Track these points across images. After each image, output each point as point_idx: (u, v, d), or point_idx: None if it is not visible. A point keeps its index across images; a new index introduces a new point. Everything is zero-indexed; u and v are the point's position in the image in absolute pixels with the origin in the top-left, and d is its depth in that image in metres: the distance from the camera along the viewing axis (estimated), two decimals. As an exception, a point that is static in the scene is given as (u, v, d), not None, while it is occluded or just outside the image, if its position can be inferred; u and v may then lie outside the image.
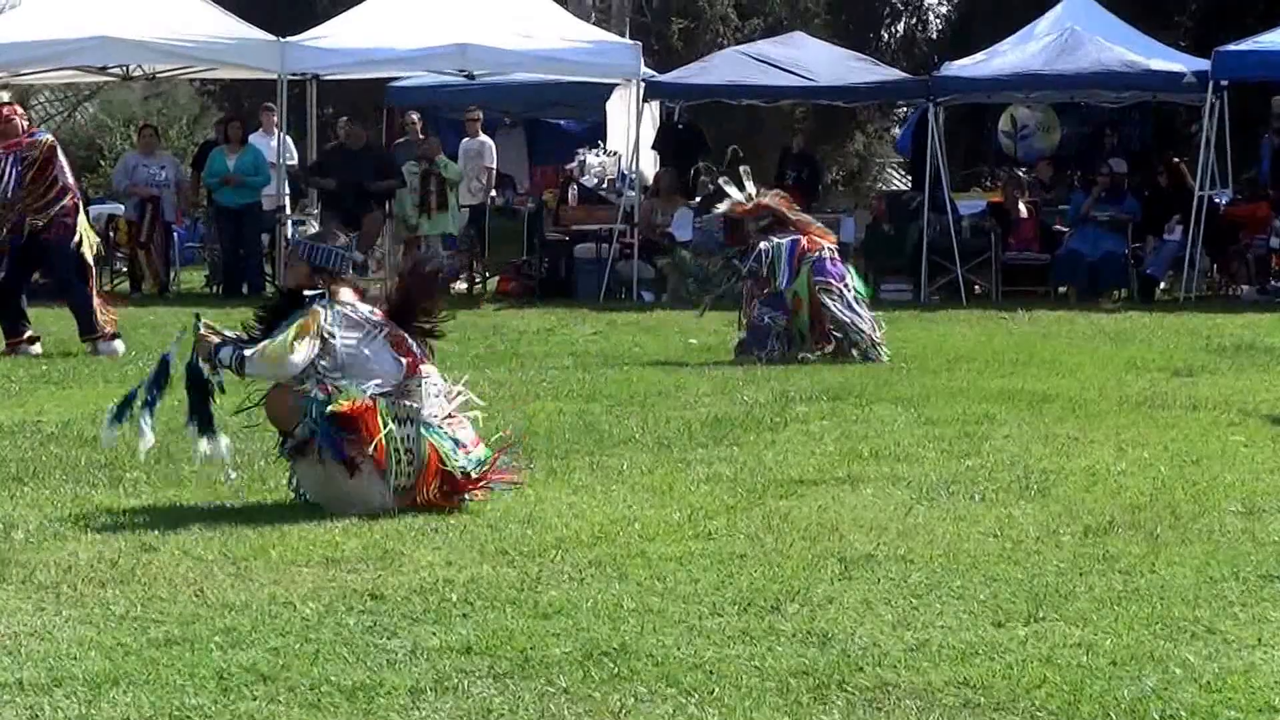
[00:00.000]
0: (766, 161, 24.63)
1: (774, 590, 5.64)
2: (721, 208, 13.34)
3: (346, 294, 7.15)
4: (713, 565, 6.02)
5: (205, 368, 7.17)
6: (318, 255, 7.22)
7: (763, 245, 12.65)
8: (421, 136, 20.14)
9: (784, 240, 12.64)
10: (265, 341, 7.00)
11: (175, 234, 20.10)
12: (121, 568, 5.96)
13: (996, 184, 22.26)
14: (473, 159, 20.43)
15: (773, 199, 13.11)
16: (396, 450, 6.92)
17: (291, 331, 6.95)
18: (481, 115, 21.17)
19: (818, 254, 12.64)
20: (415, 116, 20.92)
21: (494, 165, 20.86)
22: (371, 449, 6.85)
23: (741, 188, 13.03)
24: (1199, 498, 7.25)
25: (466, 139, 20.83)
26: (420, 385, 7.06)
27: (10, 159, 12.59)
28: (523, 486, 7.30)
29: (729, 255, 18.73)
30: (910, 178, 23.36)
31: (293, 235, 7.17)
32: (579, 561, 6.07)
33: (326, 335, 6.97)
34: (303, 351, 6.94)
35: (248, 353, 6.98)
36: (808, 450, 8.47)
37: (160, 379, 7.28)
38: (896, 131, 29.45)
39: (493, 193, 20.51)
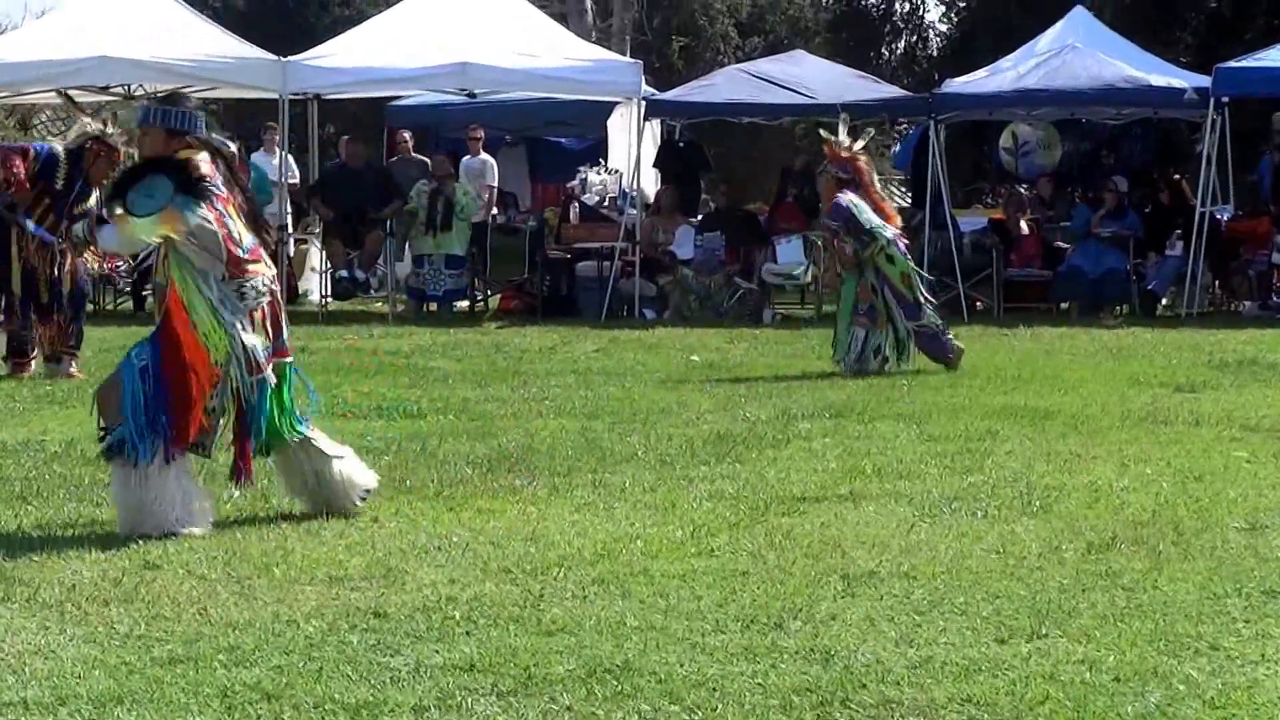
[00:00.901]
0: (767, 179, 24.68)
1: (777, 607, 5.64)
2: (828, 134, 13.33)
3: (204, 160, 6.85)
4: (716, 583, 6.01)
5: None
6: (172, 118, 6.91)
7: (843, 200, 12.81)
8: (414, 155, 20.21)
9: (861, 200, 12.81)
10: (129, 219, 6.70)
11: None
12: (125, 586, 5.96)
13: (998, 201, 22.29)
14: (475, 177, 20.47)
15: (866, 162, 13.20)
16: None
17: (156, 221, 6.65)
18: (483, 133, 21.22)
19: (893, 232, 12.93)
20: (406, 135, 21.05)
21: (495, 183, 20.91)
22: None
23: (853, 136, 13.19)
24: (1202, 514, 7.25)
25: (468, 157, 20.87)
26: (249, 286, 6.87)
27: None
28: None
29: (730, 273, 18.86)
30: (911, 195, 23.37)
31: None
32: (582, 579, 6.07)
33: (185, 233, 6.68)
34: (156, 238, 6.72)
35: (103, 230, 6.89)
36: (810, 467, 8.47)
37: None
38: (897, 149, 29.48)
39: (494, 211, 20.53)
